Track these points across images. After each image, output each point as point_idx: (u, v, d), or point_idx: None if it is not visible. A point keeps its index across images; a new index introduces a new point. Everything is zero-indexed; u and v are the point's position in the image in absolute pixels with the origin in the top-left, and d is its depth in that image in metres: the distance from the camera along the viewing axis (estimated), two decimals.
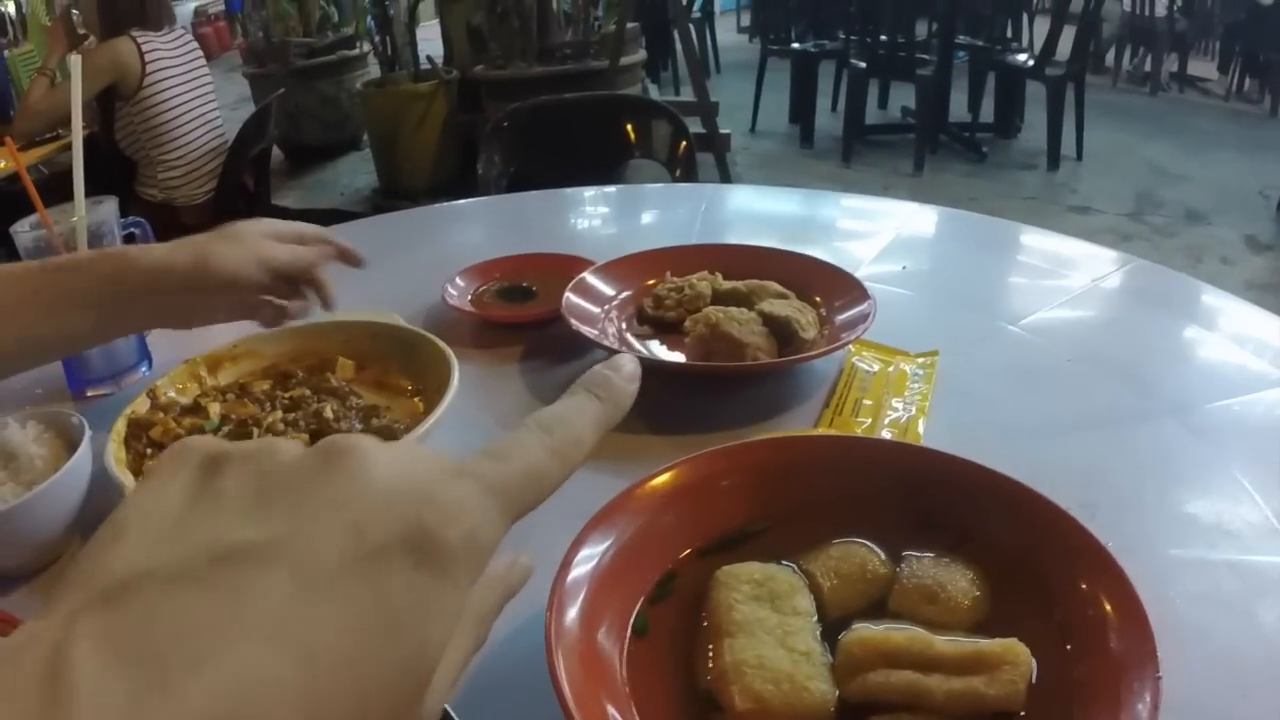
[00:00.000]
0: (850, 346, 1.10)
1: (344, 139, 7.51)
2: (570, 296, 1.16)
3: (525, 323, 1.27)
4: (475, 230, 1.85)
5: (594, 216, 1.87)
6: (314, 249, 1.09)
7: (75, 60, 1.27)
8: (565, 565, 0.65)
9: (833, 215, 1.80)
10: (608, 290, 1.22)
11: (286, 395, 1.05)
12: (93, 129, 4.05)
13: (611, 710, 0.58)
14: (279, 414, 1.00)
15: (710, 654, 0.62)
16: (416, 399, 1.07)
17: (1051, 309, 1.24)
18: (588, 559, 0.67)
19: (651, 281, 1.23)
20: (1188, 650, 0.64)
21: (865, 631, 0.62)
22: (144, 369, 1.28)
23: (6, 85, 5.31)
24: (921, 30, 6.58)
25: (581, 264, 1.27)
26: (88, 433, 0.95)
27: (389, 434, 0.96)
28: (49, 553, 0.94)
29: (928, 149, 6.17)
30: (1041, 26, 6.90)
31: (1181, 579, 0.77)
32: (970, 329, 1.20)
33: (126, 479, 0.91)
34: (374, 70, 7.05)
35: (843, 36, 6.90)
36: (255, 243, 1.04)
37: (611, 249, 1.30)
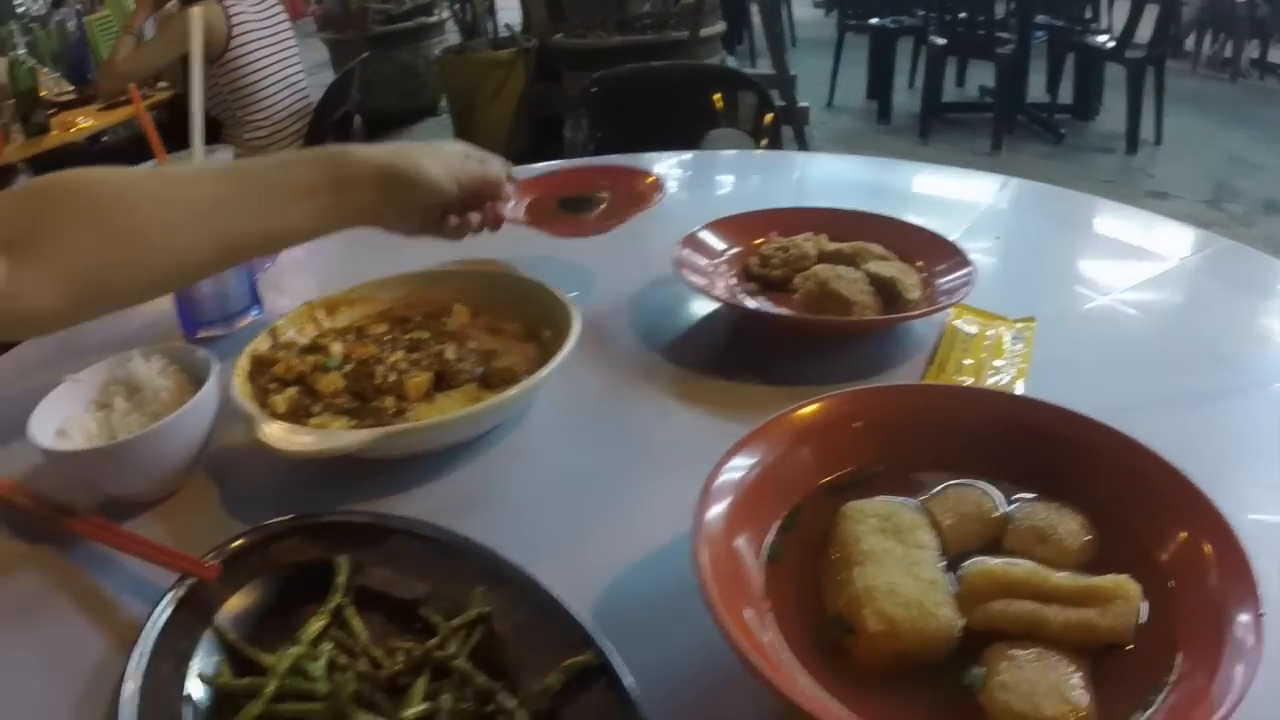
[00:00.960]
0: (950, 310, 1.12)
1: (420, 105, 7.59)
2: (682, 251, 1.20)
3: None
4: None
5: (683, 180, 1.90)
6: (497, 168, 1.12)
7: (196, 13, 1.32)
8: (714, 474, 0.70)
9: (924, 186, 1.81)
10: (718, 245, 1.26)
11: (406, 337, 1.09)
12: (177, 90, 4.14)
13: (749, 614, 0.62)
14: (400, 354, 1.04)
15: (841, 582, 0.66)
16: (531, 344, 1.10)
17: (1140, 284, 1.26)
18: (735, 469, 0.72)
19: (759, 241, 1.26)
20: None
21: (986, 564, 0.66)
22: (255, 312, 1.33)
23: (85, 50, 5.44)
24: (1000, 9, 6.53)
25: (642, 176, 1.32)
26: (215, 366, 1.00)
27: (510, 377, 1.00)
28: (174, 481, 0.99)
29: (1005, 129, 6.13)
30: (1121, 8, 6.81)
31: (1271, 546, 0.79)
32: (1062, 300, 1.22)
33: (254, 410, 0.96)
34: (450, 38, 7.12)
35: (922, 13, 6.85)
36: (454, 158, 1.07)
37: (704, 212, 1.33)
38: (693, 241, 1.23)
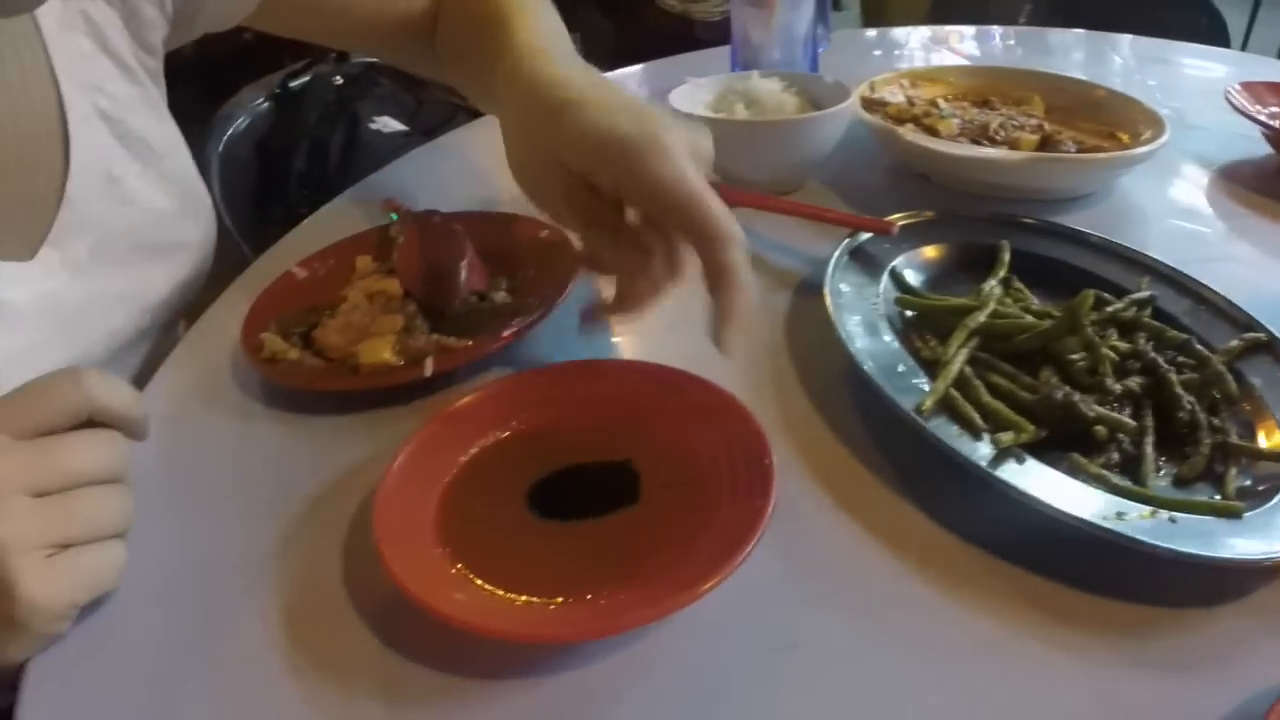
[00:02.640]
0: None
1: None
2: (1238, 95, 1.31)
3: None
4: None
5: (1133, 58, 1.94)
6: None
7: None
8: None
9: None
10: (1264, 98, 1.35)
11: (997, 112, 1.23)
12: None
13: None
14: (1001, 118, 1.19)
15: None
16: (1111, 142, 1.20)
17: None
18: None
19: None
20: None
21: None
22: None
23: None
24: None
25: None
26: (857, 90, 1.18)
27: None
28: (797, 177, 1.19)
29: None
30: None
31: None
32: None
33: (894, 126, 1.15)
34: None
35: None
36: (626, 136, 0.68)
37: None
38: (1248, 89, 1.33)
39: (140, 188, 0.92)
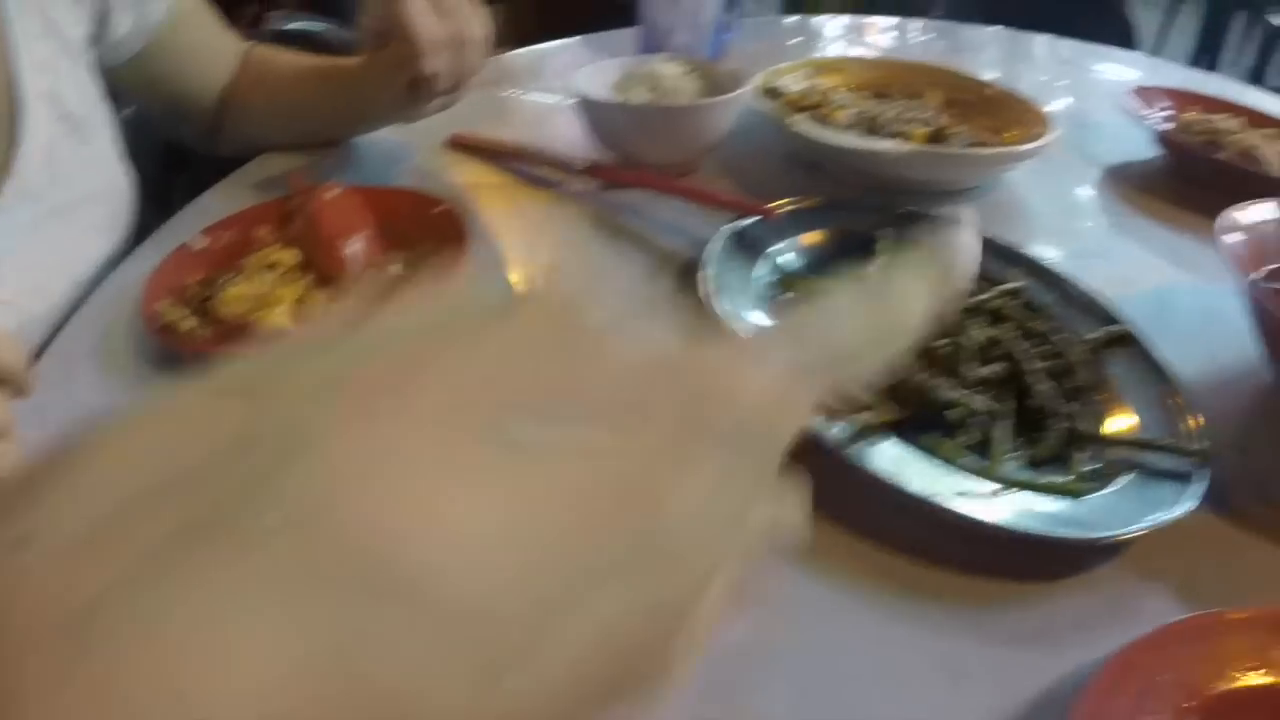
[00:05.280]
0: None
1: None
2: (1134, 101, 1.33)
3: None
4: None
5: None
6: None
7: None
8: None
9: None
10: (1159, 104, 1.38)
11: (893, 104, 1.25)
12: None
13: None
14: (896, 112, 1.21)
15: None
16: (997, 138, 1.22)
17: None
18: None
19: (1189, 114, 1.37)
20: None
21: None
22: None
23: None
24: None
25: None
26: (753, 79, 1.19)
27: None
28: (692, 158, 1.20)
29: None
30: None
31: None
32: None
33: (781, 110, 1.17)
34: None
35: None
36: None
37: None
38: (1144, 93, 1.37)
39: (71, 169, 0.96)
